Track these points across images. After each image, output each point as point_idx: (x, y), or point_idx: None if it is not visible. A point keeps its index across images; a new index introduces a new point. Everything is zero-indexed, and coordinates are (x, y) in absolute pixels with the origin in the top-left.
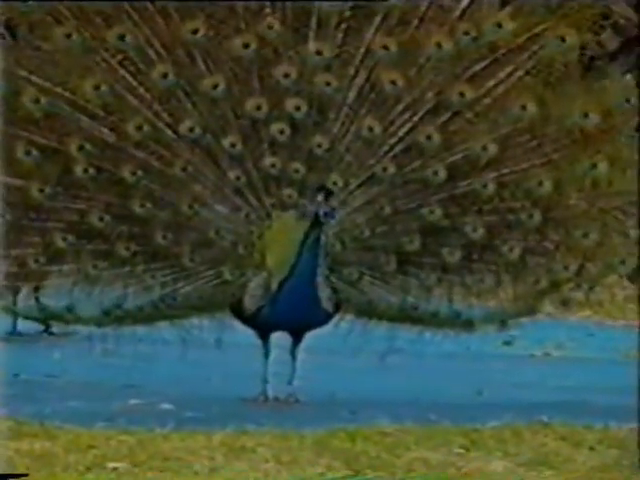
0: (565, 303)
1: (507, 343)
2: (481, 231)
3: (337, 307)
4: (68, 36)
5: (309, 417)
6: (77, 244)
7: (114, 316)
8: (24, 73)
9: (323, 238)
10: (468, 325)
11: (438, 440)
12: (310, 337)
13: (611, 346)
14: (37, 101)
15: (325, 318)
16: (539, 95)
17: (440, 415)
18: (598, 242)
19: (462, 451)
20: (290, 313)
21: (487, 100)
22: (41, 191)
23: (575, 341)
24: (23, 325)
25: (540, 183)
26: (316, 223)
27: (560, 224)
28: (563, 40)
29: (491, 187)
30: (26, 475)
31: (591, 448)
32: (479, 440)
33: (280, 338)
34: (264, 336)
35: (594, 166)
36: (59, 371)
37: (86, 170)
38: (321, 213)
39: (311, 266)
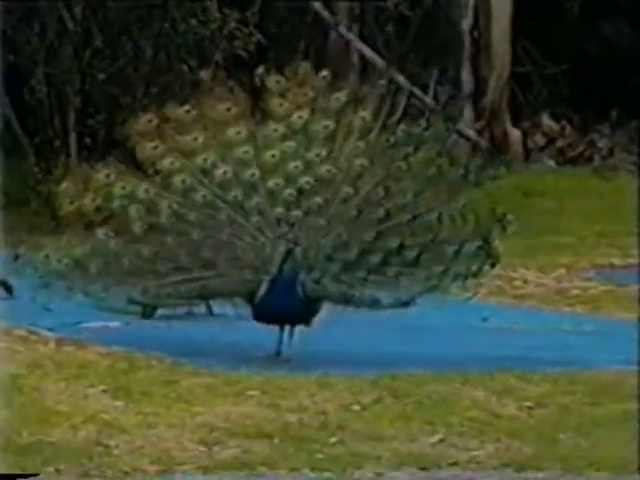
0: None
1: (484, 320)
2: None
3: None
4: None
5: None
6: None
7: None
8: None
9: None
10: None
11: (444, 379)
12: None
13: (551, 322)
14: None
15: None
16: None
17: (443, 365)
18: None
19: (460, 386)
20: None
21: None
22: None
23: (525, 318)
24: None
25: None
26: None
27: None
28: None
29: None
30: (35, 475)
31: (537, 384)
32: (472, 379)
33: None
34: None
35: None
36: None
37: None
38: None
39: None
